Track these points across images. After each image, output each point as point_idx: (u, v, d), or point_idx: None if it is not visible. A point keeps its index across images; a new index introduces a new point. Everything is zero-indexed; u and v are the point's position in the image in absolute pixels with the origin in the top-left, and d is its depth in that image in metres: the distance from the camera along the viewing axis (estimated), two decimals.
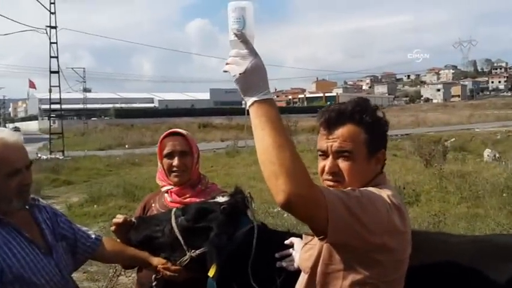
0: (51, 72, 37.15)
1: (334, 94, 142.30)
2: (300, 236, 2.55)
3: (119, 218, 3.01)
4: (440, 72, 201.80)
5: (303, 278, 2.31)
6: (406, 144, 27.34)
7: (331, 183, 2.21)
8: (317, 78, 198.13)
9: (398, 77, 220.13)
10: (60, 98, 38.43)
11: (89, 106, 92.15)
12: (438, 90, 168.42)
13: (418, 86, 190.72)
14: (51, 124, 41.18)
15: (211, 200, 2.94)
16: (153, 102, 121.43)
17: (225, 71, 2.00)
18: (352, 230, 1.94)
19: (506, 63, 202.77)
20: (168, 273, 2.83)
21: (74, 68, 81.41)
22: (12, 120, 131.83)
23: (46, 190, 17.19)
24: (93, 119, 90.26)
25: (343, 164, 2.20)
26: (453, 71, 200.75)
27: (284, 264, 2.62)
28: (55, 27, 36.96)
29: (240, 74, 1.95)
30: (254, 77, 1.95)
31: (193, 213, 2.84)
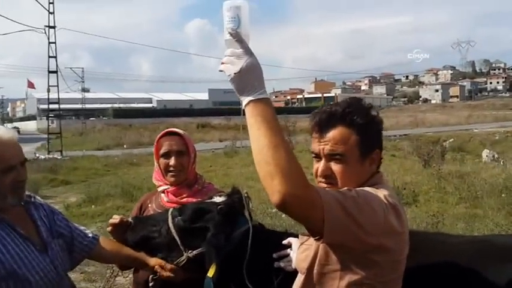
0: (49, 72, 37.15)
1: (333, 95, 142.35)
2: (298, 236, 2.53)
3: (115, 219, 3.00)
4: (438, 72, 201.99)
5: (299, 279, 2.29)
6: (405, 144, 27.45)
7: (324, 185, 2.20)
8: (316, 78, 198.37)
9: (396, 77, 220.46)
10: (59, 98, 38.43)
11: (87, 106, 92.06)
12: (436, 90, 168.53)
13: (417, 87, 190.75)
14: (50, 124, 41.11)
15: (208, 200, 2.93)
16: (151, 103, 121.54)
17: (221, 71, 1.99)
18: (348, 230, 1.93)
19: (505, 64, 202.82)
20: (165, 273, 2.82)
21: (73, 68, 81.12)
22: (11, 120, 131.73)
23: (44, 190, 17.16)
24: (91, 119, 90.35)
25: (335, 167, 2.18)
26: (451, 72, 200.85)
27: (282, 264, 2.60)
28: (54, 27, 36.98)
29: (235, 73, 1.94)
30: (249, 77, 1.94)
31: (190, 214, 2.82)
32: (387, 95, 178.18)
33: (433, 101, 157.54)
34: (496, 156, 21.42)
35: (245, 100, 1.93)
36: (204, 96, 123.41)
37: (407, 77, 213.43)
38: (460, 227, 9.65)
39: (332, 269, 2.13)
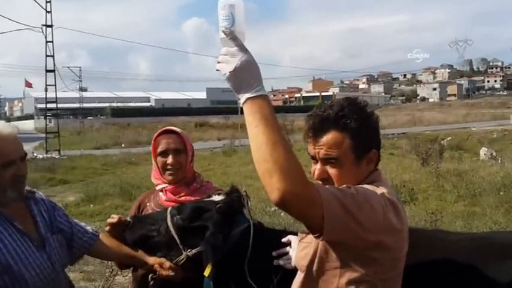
0: (47, 71, 37.08)
1: (331, 93, 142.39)
2: (297, 234, 2.53)
3: (114, 218, 2.99)
4: (436, 71, 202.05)
5: (299, 277, 2.29)
6: (403, 143, 27.45)
7: None
8: (313, 77, 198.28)
9: (394, 76, 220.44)
10: (56, 97, 38.38)
11: (85, 105, 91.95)
12: (434, 89, 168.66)
13: (415, 85, 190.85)
14: (47, 123, 41.04)
15: (207, 199, 2.92)
16: (149, 101, 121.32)
17: (217, 70, 1.99)
18: (347, 228, 1.93)
19: (502, 63, 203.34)
20: (164, 272, 2.81)
21: (70, 67, 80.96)
22: (8, 119, 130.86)
23: (42, 189, 16.93)
24: (89, 118, 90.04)
25: (331, 170, 2.19)
26: (449, 71, 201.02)
27: (281, 262, 2.60)
28: (51, 26, 36.89)
29: (230, 71, 1.93)
30: (245, 74, 1.93)
31: (189, 212, 2.82)
32: (385, 93, 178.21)
33: (430, 100, 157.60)
34: (494, 154, 21.44)
35: (242, 98, 1.93)
36: (202, 95, 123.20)
37: (405, 75, 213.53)
38: (459, 225, 9.65)
39: (332, 266, 2.12)
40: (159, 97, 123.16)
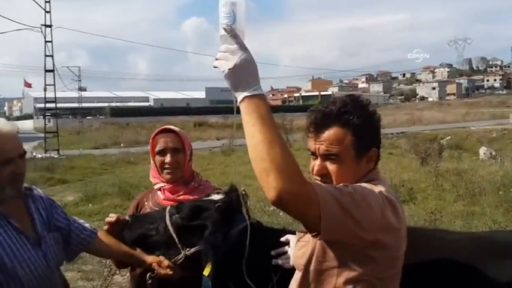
0: (46, 71, 37.10)
1: (330, 93, 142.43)
2: (296, 234, 2.52)
3: (112, 217, 2.99)
4: (435, 70, 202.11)
5: (297, 276, 2.28)
6: (402, 142, 27.44)
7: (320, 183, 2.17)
8: (312, 76, 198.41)
9: (393, 75, 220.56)
10: (55, 97, 38.42)
11: (84, 105, 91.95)
12: (433, 88, 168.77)
13: (414, 85, 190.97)
14: (46, 123, 41.12)
15: (206, 198, 2.91)
16: (148, 101, 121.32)
17: (215, 67, 1.98)
18: (345, 226, 1.92)
19: (502, 62, 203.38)
20: (162, 271, 2.80)
21: (69, 67, 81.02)
22: (8, 119, 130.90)
23: (41, 189, 16.95)
24: (88, 117, 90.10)
25: (331, 167, 2.18)
26: (448, 70, 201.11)
27: (280, 261, 2.59)
28: (50, 26, 36.91)
29: (229, 69, 1.93)
30: (244, 72, 1.93)
31: (187, 211, 2.82)
32: (384, 93, 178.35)
33: (430, 99, 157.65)
34: (493, 153, 21.45)
35: (240, 96, 1.92)
36: (201, 94, 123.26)
37: (404, 74, 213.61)
38: (458, 225, 9.66)
39: (329, 265, 2.12)
40: (158, 97, 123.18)
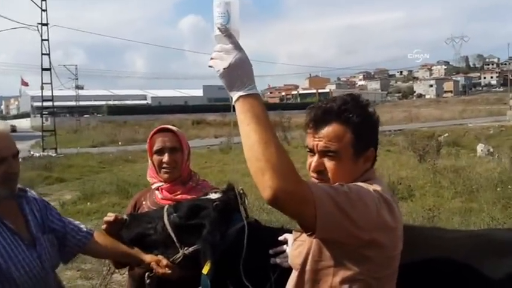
0: (43, 69, 37.09)
1: (328, 90, 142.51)
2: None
3: (110, 217, 2.98)
4: (432, 68, 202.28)
5: (293, 275, 2.28)
6: (400, 139, 27.47)
7: (316, 180, 2.18)
8: (310, 74, 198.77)
9: (391, 73, 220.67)
10: (52, 96, 38.42)
11: (82, 103, 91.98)
12: (431, 86, 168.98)
13: (411, 82, 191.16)
14: (44, 121, 41.06)
15: (204, 197, 2.91)
16: (146, 99, 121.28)
17: (210, 66, 1.99)
18: (341, 226, 1.92)
19: (498, 59, 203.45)
20: (161, 270, 2.80)
21: (66, 65, 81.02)
22: (4, 118, 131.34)
23: (39, 188, 17.11)
24: (85, 116, 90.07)
25: (328, 164, 2.17)
26: (445, 67, 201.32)
27: (278, 260, 2.59)
28: (46, 25, 36.90)
29: (224, 68, 1.93)
30: (238, 72, 1.93)
31: (185, 211, 2.81)
32: (382, 90, 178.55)
33: (427, 96, 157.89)
34: (490, 150, 21.50)
35: (235, 96, 1.93)
36: (199, 92, 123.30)
37: (401, 72, 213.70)
38: (456, 221, 9.69)
39: (325, 265, 2.12)
40: (156, 95, 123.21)
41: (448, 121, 54.96)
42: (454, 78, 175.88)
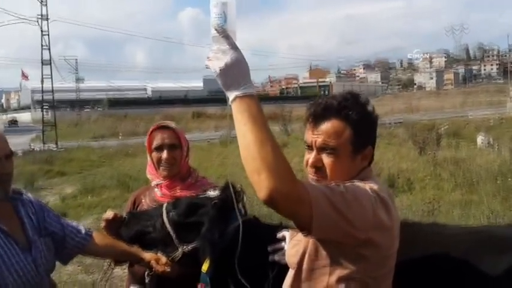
0: (43, 63, 37.09)
1: (328, 82, 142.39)
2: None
3: (109, 214, 2.98)
4: (433, 59, 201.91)
5: (290, 274, 2.29)
6: (400, 131, 27.47)
7: (314, 177, 2.19)
8: (310, 66, 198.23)
9: (391, 64, 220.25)
10: (53, 89, 38.46)
11: (82, 96, 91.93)
12: (431, 77, 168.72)
13: (411, 73, 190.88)
14: (44, 115, 41.08)
15: (202, 195, 2.92)
16: (146, 92, 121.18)
17: (207, 67, 1.99)
18: (336, 226, 1.92)
19: (498, 50, 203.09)
20: (160, 268, 2.81)
21: (66, 58, 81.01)
22: (5, 111, 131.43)
23: (40, 181, 17.17)
24: (86, 109, 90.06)
25: (326, 160, 2.17)
26: (446, 58, 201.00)
27: (277, 258, 2.59)
28: (47, 18, 36.88)
29: (220, 69, 1.94)
30: (235, 72, 1.93)
31: (184, 208, 2.82)
32: (382, 82, 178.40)
33: (427, 88, 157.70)
34: (490, 141, 21.49)
35: (231, 96, 1.93)
36: (199, 85, 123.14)
37: (401, 63, 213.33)
38: (456, 214, 9.68)
39: (321, 264, 2.12)
40: (156, 87, 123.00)
41: (448, 112, 54.92)
42: (454, 70, 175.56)
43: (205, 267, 2.59)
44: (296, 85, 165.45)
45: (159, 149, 3.29)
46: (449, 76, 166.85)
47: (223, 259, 2.58)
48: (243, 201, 2.79)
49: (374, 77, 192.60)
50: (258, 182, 1.81)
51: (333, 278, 2.09)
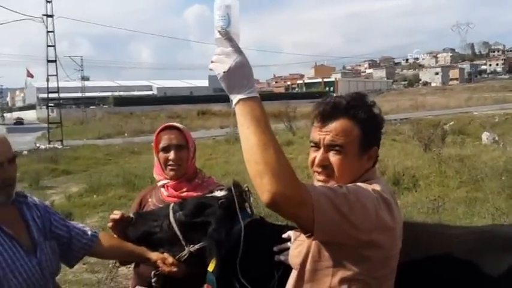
0: (48, 61, 37.12)
1: (333, 79, 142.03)
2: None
3: (116, 214, 2.99)
4: (438, 55, 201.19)
5: (293, 275, 2.30)
6: (405, 128, 27.36)
7: (320, 177, 2.21)
8: (315, 63, 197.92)
9: (396, 61, 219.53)
10: (58, 87, 38.43)
11: (87, 94, 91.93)
12: (436, 73, 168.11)
13: (417, 70, 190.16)
14: (50, 113, 41.11)
15: (209, 195, 2.93)
16: (151, 90, 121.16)
17: (211, 70, 2.01)
18: (339, 228, 1.94)
19: (504, 46, 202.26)
20: (167, 268, 2.83)
21: (72, 56, 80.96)
22: (10, 110, 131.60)
23: (45, 180, 17.20)
24: (91, 107, 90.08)
25: (333, 158, 2.18)
26: (451, 54, 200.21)
27: (282, 258, 2.59)
28: (51, 16, 36.91)
29: (224, 72, 1.96)
30: (238, 75, 1.95)
31: (191, 208, 2.82)
32: (387, 78, 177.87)
33: (433, 84, 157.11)
34: (495, 138, 21.44)
35: (235, 99, 1.95)
36: (205, 82, 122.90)
37: (407, 60, 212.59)
38: (461, 211, 9.67)
39: (324, 265, 2.13)
40: (162, 85, 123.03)
41: (453, 109, 54.73)
42: (459, 66, 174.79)
43: (211, 267, 2.61)
44: (301, 81, 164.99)
45: (166, 149, 3.31)
46: (454, 73, 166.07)
47: (228, 259, 2.60)
48: (250, 200, 2.80)
49: (379, 73, 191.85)
50: (261, 186, 1.82)
51: (336, 279, 2.10)
